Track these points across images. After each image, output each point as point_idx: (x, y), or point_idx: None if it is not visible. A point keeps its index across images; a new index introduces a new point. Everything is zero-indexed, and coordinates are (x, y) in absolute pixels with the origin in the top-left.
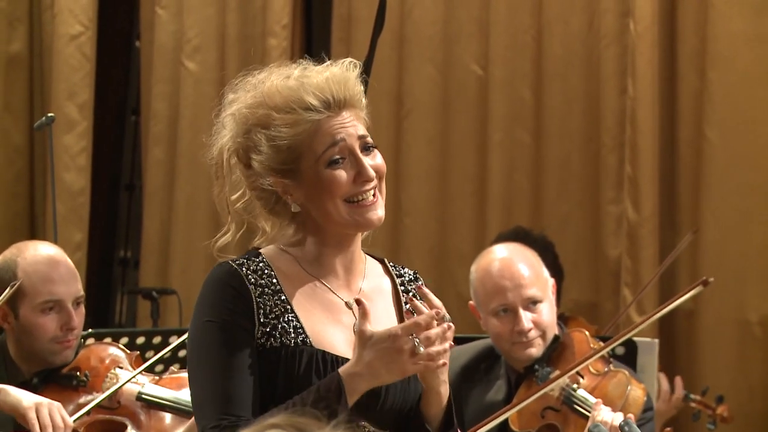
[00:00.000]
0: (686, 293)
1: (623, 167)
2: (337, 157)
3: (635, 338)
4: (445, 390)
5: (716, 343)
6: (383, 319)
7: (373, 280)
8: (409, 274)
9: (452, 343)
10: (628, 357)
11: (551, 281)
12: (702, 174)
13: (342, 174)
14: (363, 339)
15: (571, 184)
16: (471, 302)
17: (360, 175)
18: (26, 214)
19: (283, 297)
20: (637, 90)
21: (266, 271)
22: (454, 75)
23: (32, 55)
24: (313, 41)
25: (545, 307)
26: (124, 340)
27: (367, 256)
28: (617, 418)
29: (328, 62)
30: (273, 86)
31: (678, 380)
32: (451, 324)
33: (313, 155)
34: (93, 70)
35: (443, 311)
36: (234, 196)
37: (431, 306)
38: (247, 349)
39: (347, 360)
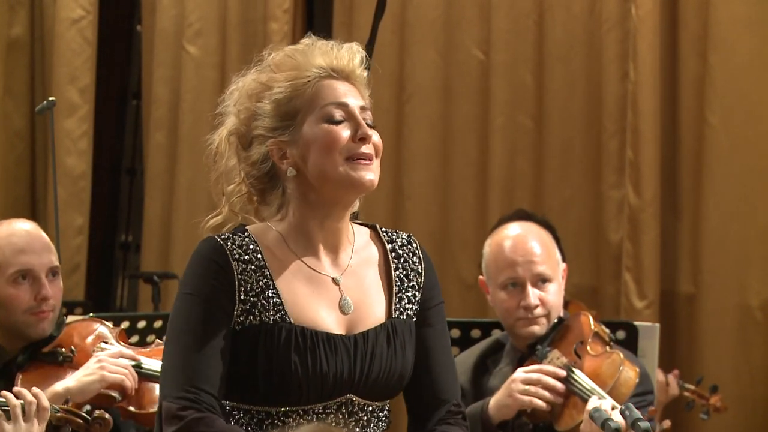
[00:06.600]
0: None
1: (624, 152)
2: (338, 117)
3: (636, 323)
4: None
5: (717, 327)
6: (371, 288)
7: (360, 254)
8: (403, 239)
9: None
10: (629, 341)
11: (563, 265)
12: (703, 158)
13: (341, 129)
14: None
15: (573, 169)
16: (481, 277)
17: (357, 133)
18: (27, 199)
19: (266, 272)
20: (639, 74)
21: (251, 246)
22: (455, 59)
23: (33, 39)
24: (315, 25)
25: (553, 287)
26: (125, 324)
27: (354, 226)
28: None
29: (334, 41)
30: (278, 53)
31: (672, 377)
32: None
33: (314, 110)
34: (94, 54)
35: None
36: (230, 187)
37: None
38: (223, 330)
39: (328, 335)
